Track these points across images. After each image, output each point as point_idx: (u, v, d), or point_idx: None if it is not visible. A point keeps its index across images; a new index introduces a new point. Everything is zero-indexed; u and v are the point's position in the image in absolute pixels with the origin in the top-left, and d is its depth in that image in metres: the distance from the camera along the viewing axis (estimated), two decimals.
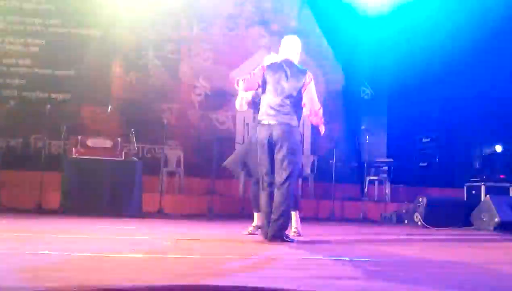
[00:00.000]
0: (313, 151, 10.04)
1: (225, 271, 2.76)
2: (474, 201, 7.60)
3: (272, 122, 4.32)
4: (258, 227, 4.84)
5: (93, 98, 9.39)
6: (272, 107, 4.35)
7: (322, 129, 4.64)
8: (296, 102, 4.39)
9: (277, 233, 4.23)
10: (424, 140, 9.52)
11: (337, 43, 10.23)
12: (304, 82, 4.42)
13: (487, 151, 8.37)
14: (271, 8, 10.30)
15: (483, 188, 7.83)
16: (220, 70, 10.00)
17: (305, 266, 3.07)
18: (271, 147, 4.31)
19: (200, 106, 9.88)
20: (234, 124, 9.95)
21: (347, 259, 3.38)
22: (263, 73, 4.47)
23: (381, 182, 9.18)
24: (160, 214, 7.51)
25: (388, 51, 9.84)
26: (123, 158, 7.21)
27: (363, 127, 9.31)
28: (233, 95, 10.14)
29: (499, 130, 8.77)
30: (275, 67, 4.48)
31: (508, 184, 7.94)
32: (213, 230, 5.65)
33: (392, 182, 9.11)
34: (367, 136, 8.86)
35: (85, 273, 2.57)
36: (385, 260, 3.57)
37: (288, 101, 4.35)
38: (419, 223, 7.08)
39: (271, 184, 4.31)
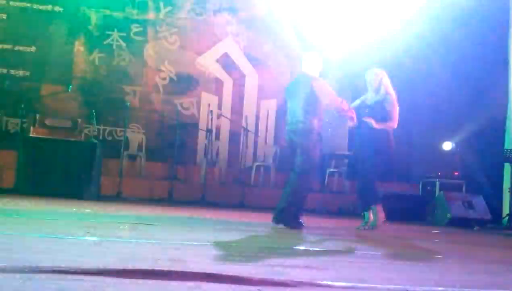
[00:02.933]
0: (276, 141, 10.09)
1: (181, 256, 2.77)
2: (428, 197, 7.83)
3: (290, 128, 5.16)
4: (368, 223, 5.34)
5: (54, 77, 9.15)
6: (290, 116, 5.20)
7: (350, 121, 5.26)
8: (306, 108, 5.00)
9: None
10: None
11: (305, 34, 10.26)
12: (310, 88, 5.00)
13: (443, 148, 8.61)
14: None
15: (437, 184, 8.07)
16: (187, 55, 9.90)
17: (259, 253, 3.11)
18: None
19: (164, 90, 9.77)
20: (198, 110, 9.89)
21: (302, 248, 3.43)
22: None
23: (341, 174, 9.32)
24: (119, 197, 7.42)
25: (356, 46, 9.94)
26: (82, 139, 7.08)
27: (326, 120, 9.40)
28: (198, 81, 10.11)
29: (455, 128, 9.02)
30: (292, 82, 5.40)
31: (461, 181, 8.20)
32: (173, 216, 5.63)
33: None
34: (329, 129, 8.96)
35: (37, 254, 2.53)
36: (335, 250, 3.65)
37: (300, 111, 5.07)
38: None
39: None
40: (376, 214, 5.31)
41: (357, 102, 5.50)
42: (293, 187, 5.06)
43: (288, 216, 4.98)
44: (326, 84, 5.16)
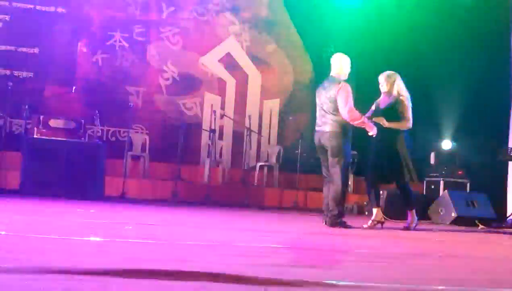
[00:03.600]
0: (280, 141, 10.10)
1: (186, 256, 2.77)
2: (432, 195, 7.80)
3: (318, 129, 5.30)
4: (377, 221, 5.42)
5: (57, 78, 9.17)
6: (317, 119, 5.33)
7: (369, 129, 5.28)
8: (332, 110, 5.13)
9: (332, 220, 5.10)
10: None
11: (307, 33, 10.26)
12: (336, 91, 5.12)
13: (444, 147, 8.59)
14: None
15: (441, 183, 8.05)
16: (189, 55, 9.92)
17: (263, 253, 3.11)
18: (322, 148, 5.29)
19: (167, 91, 9.79)
20: (202, 110, 9.90)
21: (307, 247, 3.43)
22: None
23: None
24: (123, 198, 7.44)
25: (356, 44, 9.93)
26: (86, 140, 7.09)
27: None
28: (201, 81, 10.12)
29: (461, 127, 9.00)
30: (322, 84, 5.39)
31: (465, 180, 8.18)
32: (177, 216, 5.64)
33: (355, 174, 9.25)
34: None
35: (43, 255, 2.54)
36: (340, 249, 3.65)
37: (323, 112, 5.21)
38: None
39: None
40: (413, 216, 5.53)
41: (372, 107, 5.54)
42: (332, 188, 5.15)
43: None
44: (348, 93, 5.16)
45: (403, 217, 7.14)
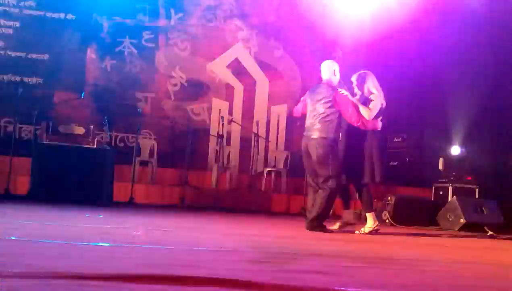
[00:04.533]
0: (287, 147, 10.10)
1: (194, 262, 2.78)
2: (441, 201, 7.77)
3: (306, 135, 5.27)
4: (345, 223, 5.46)
5: (66, 84, 9.24)
6: (308, 123, 5.29)
7: (376, 125, 5.32)
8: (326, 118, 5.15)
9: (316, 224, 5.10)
10: (395, 140, 9.67)
11: (314, 39, 10.27)
12: (333, 98, 5.16)
13: (454, 153, 8.56)
14: (250, 1, 10.29)
15: (450, 189, 8.01)
16: (197, 61, 9.97)
17: (271, 259, 3.11)
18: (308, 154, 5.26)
19: (175, 96, 9.83)
20: (209, 116, 9.93)
21: (315, 253, 3.42)
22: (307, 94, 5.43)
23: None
24: (131, 203, 7.46)
25: (366, 52, 9.93)
26: (95, 145, 7.13)
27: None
28: (209, 87, 10.16)
29: (470, 132, 8.97)
30: (313, 90, 5.38)
31: (474, 186, 8.13)
32: (184, 221, 5.65)
33: None
34: (340, 134, 8.93)
35: (52, 260, 2.56)
36: (348, 255, 3.64)
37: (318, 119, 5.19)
38: (387, 221, 7.21)
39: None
40: (374, 219, 5.37)
41: None
42: (320, 196, 5.13)
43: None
44: (348, 99, 5.21)
45: (411, 222, 7.14)
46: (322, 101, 5.17)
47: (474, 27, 8.93)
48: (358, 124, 5.19)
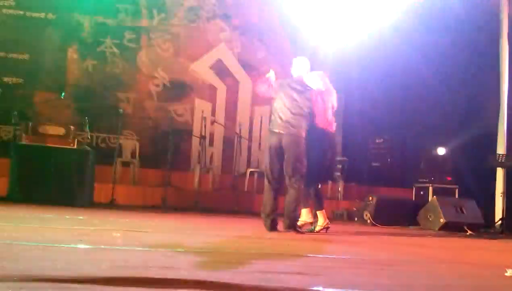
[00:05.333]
0: None
1: (173, 264, 2.77)
2: (421, 201, 7.85)
3: (282, 131, 5.05)
4: (304, 222, 5.34)
5: (47, 84, 9.15)
6: (277, 118, 5.09)
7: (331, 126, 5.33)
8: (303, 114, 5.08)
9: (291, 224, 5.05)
10: (377, 141, 9.75)
11: (297, 40, 10.30)
12: (309, 95, 5.14)
13: (436, 153, 8.65)
14: (233, 2, 10.27)
15: (430, 189, 8.10)
16: (180, 62, 9.92)
17: (251, 260, 3.11)
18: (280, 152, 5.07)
19: (158, 97, 9.78)
20: (192, 117, 9.90)
21: (294, 254, 3.43)
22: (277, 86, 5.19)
23: (333, 180, 9.32)
24: (112, 205, 7.40)
25: (348, 51, 9.98)
26: (75, 146, 7.06)
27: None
28: (192, 87, 10.12)
29: (448, 133, 9.08)
30: (285, 83, 5.23)
31: (454, 186, 8.24)
32: (166, 222, 5.62)
33: (345, 180, 9.28)
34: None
35: (28, 262, 2.52)
36: (327, 256, 3.66)
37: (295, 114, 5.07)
38: (368, 221, 7.26)
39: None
40: (324, 217, 5.38)
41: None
42: (289, 195, 5.11)
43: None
44: (322, 98, 5.20)
45: (392, 222, 7.20)
46: (299, 97, 5.10)
47: (455, 29, 9.04)
48: (322, 124, 5.18)
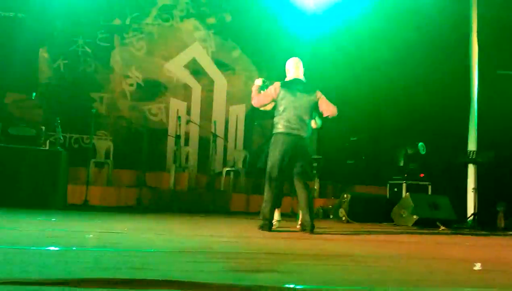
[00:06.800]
0: (246, 146, 10.12)
1: (144, 264, 2.75)
2: (395, 198, 7.96)
3: (298, 133, 5.08)
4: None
5: (18, 85, 8.99)
6: (292, 122, 5.07)
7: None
8: (308, 116, 5.16)
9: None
10: (352, 139, 9.84)
11: (272, 40, 10.33)
12: (316, 96, 5.19)
13: (409, 150, 8.78)
14: (206, 1, 10.24)
15: (404, 186, 8.22)
16: (154, 61, 9.86)
17: (224, 259, 3.11)
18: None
19: (132, 96, 9.70)
20: (167, 116, 9.84)
21: (267, 252, 3.44)
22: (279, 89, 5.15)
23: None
24: (85, 206, 7.31)
25: (323, 51, 10.04)
26: (47, 147, 6.94)
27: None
28: (166, 87, 10.06)
29: (422, 131, 9.22)
30: (291, 85, 5.18)
31: (427, 183, 8.37)
32: (140, 223, 5.57)
33: (320, 178, 9.35)
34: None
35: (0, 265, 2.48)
36: (300, 253, 3.68)
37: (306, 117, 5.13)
38: (344, 218, 7.32)
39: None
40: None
41: None
42: (307, 193, 5.12)
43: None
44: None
45: (367, 219, 7.28)
46: (309, 100, 5.13)
47: (425, 29, 9.18)
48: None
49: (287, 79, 5.28)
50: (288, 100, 5.09)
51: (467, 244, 5.34)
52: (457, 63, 8.88)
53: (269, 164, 5.13)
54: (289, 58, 5.42)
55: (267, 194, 5.10)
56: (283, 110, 5.09)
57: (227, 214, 8.03)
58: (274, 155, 5.09)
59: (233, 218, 7.31)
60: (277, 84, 5.17)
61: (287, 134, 5.06)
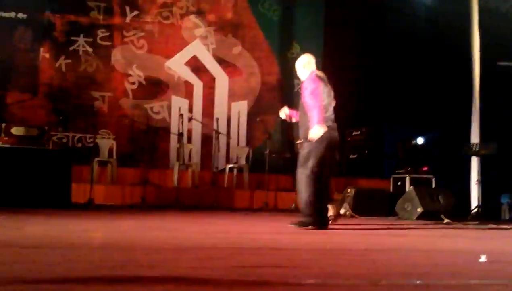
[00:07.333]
0: (248, 143, 10.12)
1: (151, 261, 2.75)
2: (399, 192, 7.96)
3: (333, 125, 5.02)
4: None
5: (19, 84, 9.00)
6: (331, 113, 5.03)
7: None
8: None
9: None
10: (354, 133, 9.83)
11: (273, 36, 10.32)
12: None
13: (412, 143, 8.78)
14: None
15: (407, 179, 8.21)
16: (155, 59, 9.86)
17: (229, 255, 3.11)
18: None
19: (134, 95, 9.70)
20: (169, 114, 9.85)
21: (273, 247, 3.45)
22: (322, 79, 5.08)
23: None
24: (90, 205, 7.33)
25: (321, 45, 10.02)
26: (50, 147, 6.95)
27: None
28: (168, 84, 10.06)
29: (424, 124, 9.22)
30: (323, 77, 5.12)
31: (430, 176, 8.36)
32: (145, 221, 5.59)
33: None
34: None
35: (2, 265, 2.48)
36: (306, 247, 3.69)
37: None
38: (347, 213, 7.33)
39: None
40: None
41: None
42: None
43: None
44: None
45: (371, 213, 7.29)
46: (330, 92, 5.11)
47: (428, 20, 9.17)
48: None
49: (314, 71, 5.12)
50: (329, 95, 5.06)
51: (472, 236, 5.34)
52: (459, 55, 8.86)
53: (317, 158, 4.91)
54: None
55: (317, 196, 4.93)
56: (328, 103, 5.02)
57: (230, 210, 8.04)
58: (320, 150, 4.91)
59: (237, 214, 7.33)
60: (316, 74, 5.04)
61: (334, 128, 5.00)
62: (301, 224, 4.91)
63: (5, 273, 2.25)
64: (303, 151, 5.00)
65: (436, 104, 9.19)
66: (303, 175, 4.92)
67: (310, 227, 4.87)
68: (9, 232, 3.99)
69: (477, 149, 8.06)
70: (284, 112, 5.30)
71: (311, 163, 4.89)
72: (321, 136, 4.87)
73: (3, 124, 6.92)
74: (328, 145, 4.92)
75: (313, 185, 4.86)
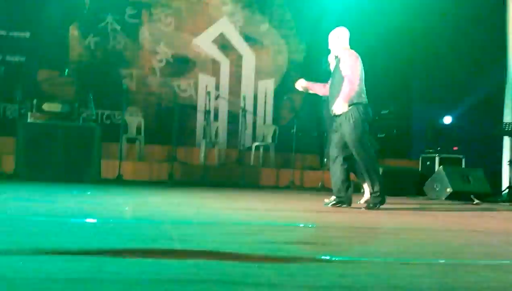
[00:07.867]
0: (275, 121, 10.08)
1: (182, 236, 2.78)
2: (428, 172, 7.85)
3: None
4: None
5: (49, 62, 9.10)
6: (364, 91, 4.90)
7: None
8: None
9: None
10: (382, 112, 9.68)
11: (300, 13, 10.17)
12: None
13: (442, 123, 8.61)
14: None
15: (437, 159, 8.08)
16: (182, 36, 9.84)
17: (258, 231, 3.12)
18: None
19: (161, 72, 9.73)
20: (196, 92, 9.86)
21: (310, 225, 3.45)
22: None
23: None
24: (119, 180, 7.44)
25: (351, 23, 9.82)
26: (80, 123, 7.06)
27: (324, 98, 9.36)
28: (195, 62, 10.05)
29: (455, 103, 9.03)
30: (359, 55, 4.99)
31: (460, 156, 8.21)
32: (173, 197, 5.65)
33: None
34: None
35: (38, 237, 2.55)
36: (335, 226, 3.67)
37: None
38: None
39: None
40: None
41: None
42: None
43: None
44: None
45: (399, 193, 7.21)
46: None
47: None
48: None
49: (347, 48, 5.02)
50: (362, 71, 4.92)
51: (503, 217, 5.25)
52: (493, 33, 8.60)
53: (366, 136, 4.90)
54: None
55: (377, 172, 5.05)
56: (361, 79, 4.89)
57: (257, 188, 8.06)
58: (362, 130, 4.83)
59: (263, 192, 7.35)
60: (356, 53, 4.94)
61: (367, 105, 4.90)
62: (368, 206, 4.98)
63: (41, 244, 2.30)
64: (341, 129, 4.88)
65: (467, 82, 8.98)
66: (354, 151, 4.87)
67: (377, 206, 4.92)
68: (41, 206, 4.08)
69: (510, 128, 7.86)
70: (301, 85, 5.23)
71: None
72: (367, 113, 4.85)
73: (35, 101, 7.04)
74: (366, 125, 4.88)
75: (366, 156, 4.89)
